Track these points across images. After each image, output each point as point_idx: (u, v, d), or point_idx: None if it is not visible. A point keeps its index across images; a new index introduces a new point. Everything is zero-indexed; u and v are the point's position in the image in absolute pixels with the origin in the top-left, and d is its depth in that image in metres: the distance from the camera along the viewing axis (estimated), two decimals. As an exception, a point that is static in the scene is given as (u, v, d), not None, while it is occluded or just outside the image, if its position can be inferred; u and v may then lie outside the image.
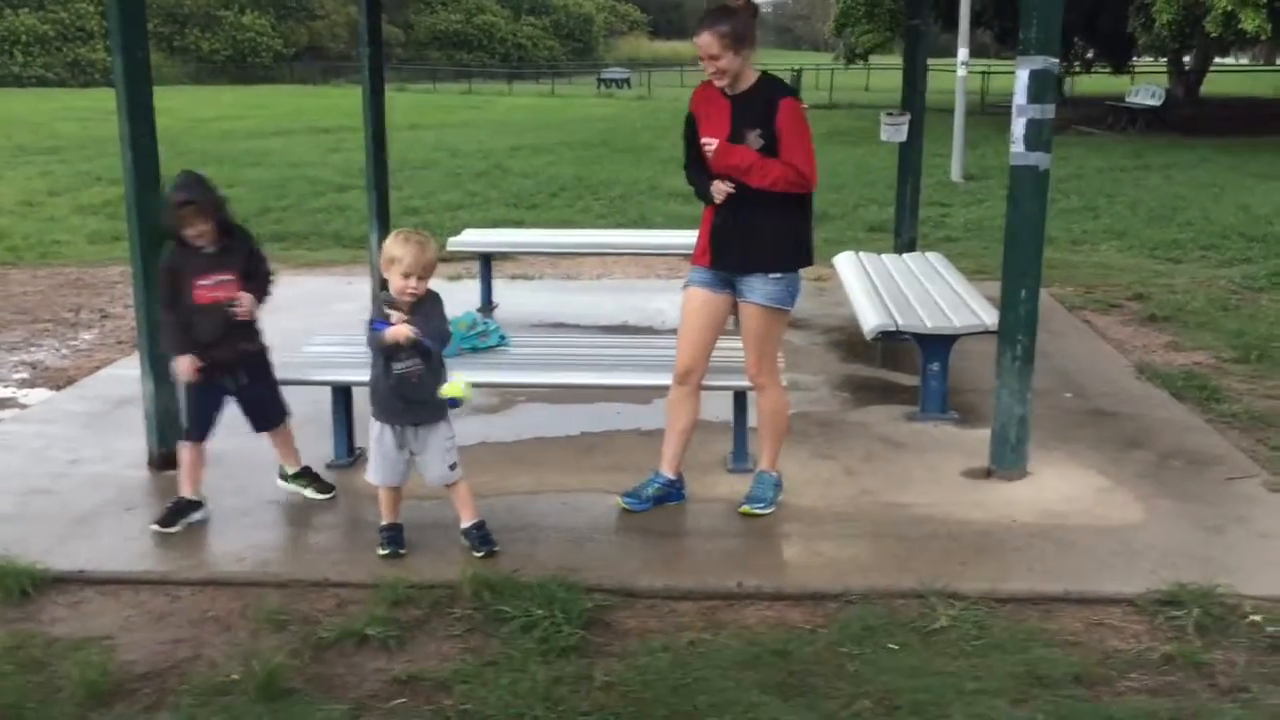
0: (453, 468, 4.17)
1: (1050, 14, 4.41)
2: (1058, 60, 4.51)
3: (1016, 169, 4.58)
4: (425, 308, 4.04)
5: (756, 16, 4.35)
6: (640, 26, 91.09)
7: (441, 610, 3.81)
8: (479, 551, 4.14)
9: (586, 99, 43.75)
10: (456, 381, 3.99)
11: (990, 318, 5.47)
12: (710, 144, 4.26)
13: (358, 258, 9.93)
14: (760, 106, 4.22)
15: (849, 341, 7.05)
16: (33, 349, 7.21)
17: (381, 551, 4.15)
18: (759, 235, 4.30)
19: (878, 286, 6.34)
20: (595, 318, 7.68)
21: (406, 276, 3.93)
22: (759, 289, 4.34)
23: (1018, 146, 4.54)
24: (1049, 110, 4.50)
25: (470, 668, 3.43)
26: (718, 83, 4.28)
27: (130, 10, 4.69)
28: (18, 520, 4.46)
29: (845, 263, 7.13)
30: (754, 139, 4.19)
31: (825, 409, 5.80)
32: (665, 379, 4.90)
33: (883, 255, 7.41)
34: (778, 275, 4.33)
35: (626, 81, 53.09)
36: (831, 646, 3.54)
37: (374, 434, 4.14)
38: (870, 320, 5.64)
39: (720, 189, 4.26)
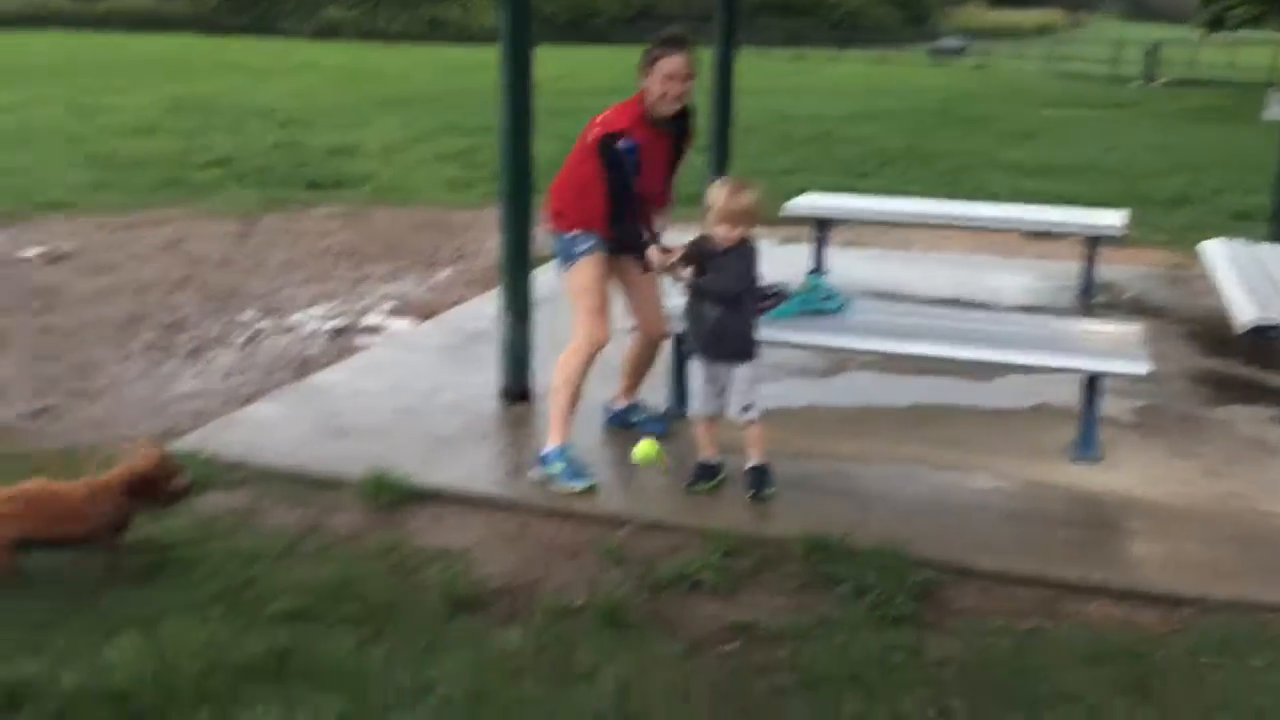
0: (746, 409, 4.28)
1: None
2: None
3: None
4: (727, 258, 4.18)
5: None
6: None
7: (771, 565, 3.85)
8: (749, 492, 4.27)
9: (919, 68, 42.55)
10: (647, 446, 4.20)
11: (1391, 320, 4.91)
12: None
13: (691, 215, 10.14)
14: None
15: (1210, 334, 6.53)
16: (398, 282, 7.83)
17: (689, 483, 4.33)
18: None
19: (1253, 278, 5.82)
20: (928, 290, 7.49)
21: (719, 223, 4.12)
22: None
23: None
24: None
25: (802, 625, 3.45)
26: (671, 109, 4.39)
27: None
28: (385, 438, 4.87)
29: (1215, 251, 6.60)
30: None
31: (1183, 405, 5.41)
32: (1008, 355, 4.74)
33: (1260, 244, 6.80)
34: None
35: (961, 50, 51.22)
36: (1188, 654, 3.32)
37: (693, 367, 4.43)
38: (1246, 313, 5.19)
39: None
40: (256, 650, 3.20)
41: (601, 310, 4.49)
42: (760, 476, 4.30)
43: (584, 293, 4.49)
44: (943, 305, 6.83)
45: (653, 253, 4.35)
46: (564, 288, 4.59)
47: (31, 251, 8.41)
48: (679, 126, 4.56)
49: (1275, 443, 4.90)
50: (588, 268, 4.48)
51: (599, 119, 4.44)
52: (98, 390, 5.54)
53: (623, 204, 4.40)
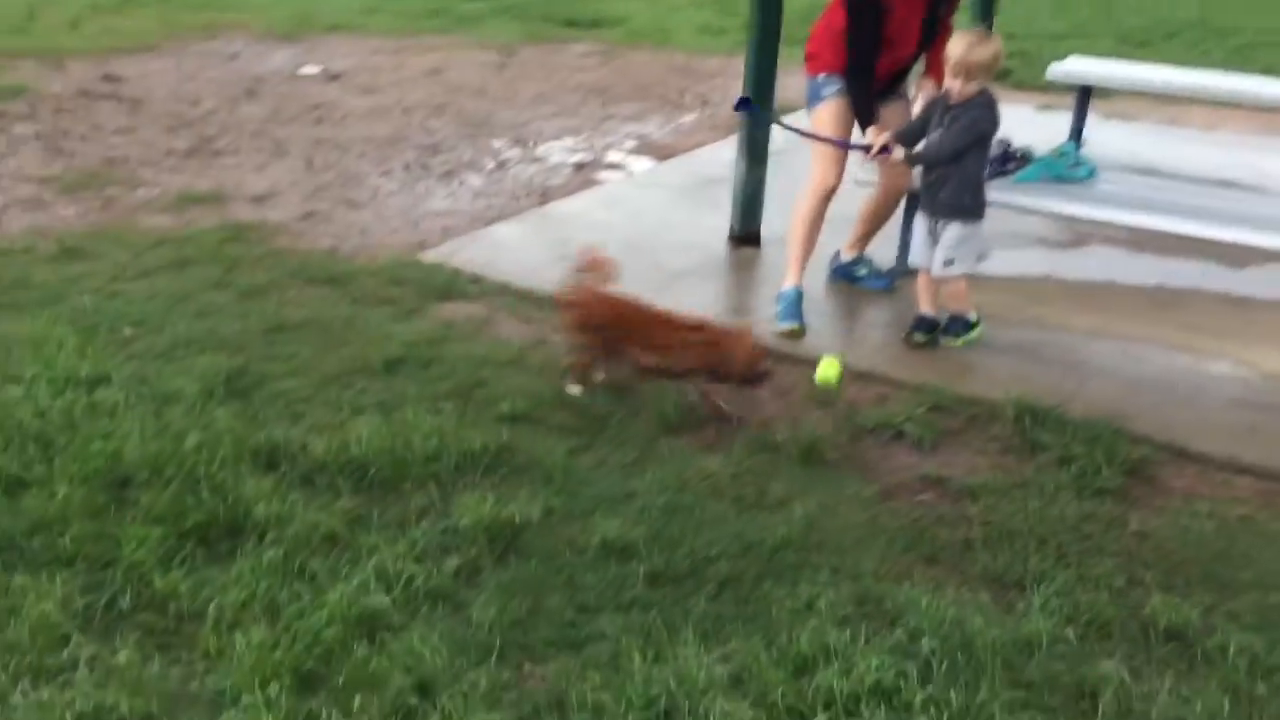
0: (948, 264, 4.27)
1: None
2: None
3: None
4: (956, 113, 4.11)
5: None
6: None
7: (978, 426, 3.86)
8: (943, 338, 4.37)
9: (1228, -69, 38.58)
10: (832, 362, 3.94)
11: None
12: None
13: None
14: None
15: None
16: (642, 122, 7.95)
17: (905, 334, 4.40)
18: None
19: None
20: (1196, 169, 7.02)
21: (954, 78, 4.05)
22: None
23: None
24: None
25: (1000, 484, 3.47)
26: None
27: None
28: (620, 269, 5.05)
29: None
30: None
31: None
32: (1266, 239, 4.46)
33: None
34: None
35: (1282, -86, 46.04)
36: None
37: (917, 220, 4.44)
38: None
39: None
40: (480, 443, 3.49)
41: (835, 154, 4.48)
42: (954, 324, 4.36)
43: (821, 133, 4.50)
44: (1204, 184, 6.40)
45: (870, 135, 4.33)
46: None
47: (310, 69, 8.97)
48: None
49: None
50: (828, 111, 4.46)
51: None
52: (361, 200, 5.96)
53: (860, 53, 4.34)
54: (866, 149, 4.31)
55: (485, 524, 3.10)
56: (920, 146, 4.26)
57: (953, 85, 4.07)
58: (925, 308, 4.38)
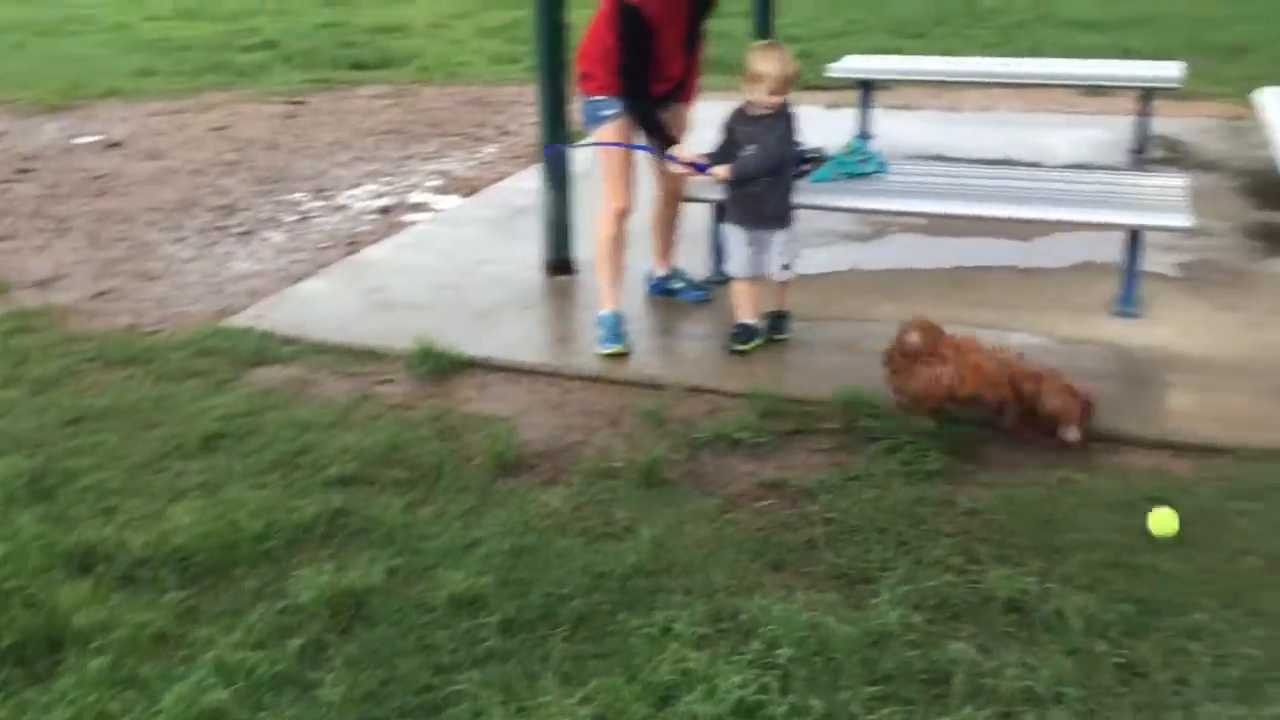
0: (785, 267, 4.43)
1: None
2: None
3: None
4: (761, 126, 4.23)
5: None
6: None
7: (810, 425, 3.93)
8: (770, 333, 4.52)
9: (979, -80, 40.76)
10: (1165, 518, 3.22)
11: None
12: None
13: (733, 85, 9.97)
14: None
15: (1265, 187, 6.39)
16: (443, 160, 7.86)
17: (732, 345, 4.42)
18: None
19: (1309, 125, 5.67)
20: (977, 150, 7.37)
21: (771, 94, 4.16)
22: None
23: None
24: None
25: (835, 480, 3.54)
26: None
27: None
28: (432, 310, 4.98)
29: (1271, 100, 6.41)
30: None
31: (1232, 259, 5.34)
32: (1049, 213, 4.70)
33: (1318, 91, 6.59)
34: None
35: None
36: (1219, 501, 3.36)
37: (731, 232, 4.47)
38: (1296, 162, 5.08)
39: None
40: (311, 512, 3.37)
41: (620, 176, 4.50)
42: (781, 321, 4.51)
43: (604, 158, 4.52)
44: (986, 165, 6.73)
45: (677, 165, 4.41)
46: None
47: (86, 139, 8.55)
48: None
49: (1323, 294, 4.85)
50: (611, 134, 4.48)
51: None
52: (156, 272, 5.70)
53: (636, 82, 4.38)
54: (653, 149, 4.47)
55: (326, 597, 2.98)
56: (734, 164, 4.29)
57: (761, 99, 4.14)
58: (744, 315, 4.45)
